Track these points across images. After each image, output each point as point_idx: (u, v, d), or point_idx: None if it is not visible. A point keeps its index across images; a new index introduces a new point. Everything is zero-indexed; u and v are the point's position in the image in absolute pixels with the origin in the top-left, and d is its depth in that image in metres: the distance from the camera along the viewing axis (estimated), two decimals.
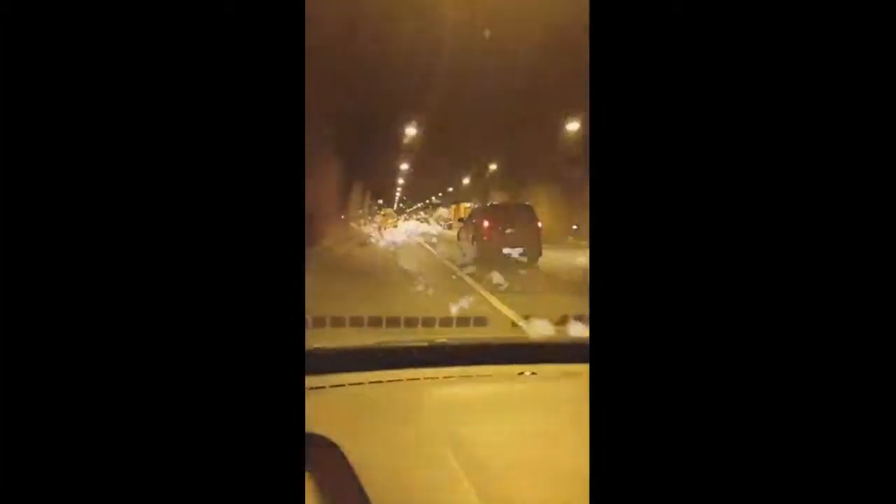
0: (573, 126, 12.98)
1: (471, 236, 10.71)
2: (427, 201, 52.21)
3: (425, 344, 1.20)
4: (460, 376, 1.07)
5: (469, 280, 7.16)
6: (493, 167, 22.00)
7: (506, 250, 9.66)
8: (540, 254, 9.95)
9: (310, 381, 0.75)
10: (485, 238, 9.98)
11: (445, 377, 1.06)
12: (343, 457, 0.70)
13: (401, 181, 33.57)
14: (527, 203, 11.13)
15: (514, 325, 4.10)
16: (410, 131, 14.78)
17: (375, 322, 2.79)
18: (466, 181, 29.41)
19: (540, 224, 10.28)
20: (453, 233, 15.32)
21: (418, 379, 1.03)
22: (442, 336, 1.31)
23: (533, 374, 1.08)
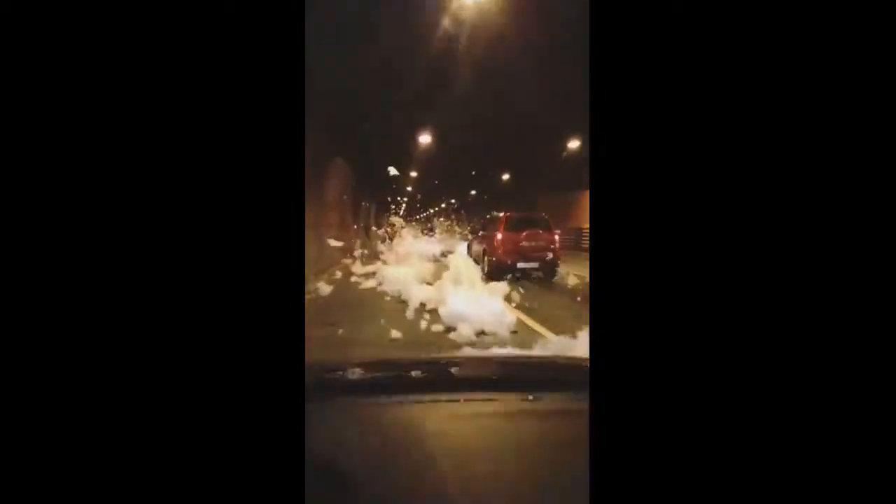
0: None
1: (482, 249, 10.16)
2: (438, 208, 48.10)
3: (428, 361, 1.16)
4: (463, 399, 1.03)
5: None
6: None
7: (521, 265, 9.10)
8: (557, 268, 9.39)
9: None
10: (498, 251, 9.42)
11: (448, 399, 1.02)
12: (338, 482, 0.69)
13: (413, 173, 27.37)
14: (543, 214, 10.51)
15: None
16: (424, 138, 13.48)
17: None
18: (506, 177, 23.01)
19: (557, 236, 9.70)
20: None
21: (419, 401, 1.00)
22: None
23: (536, 398, 1.04)
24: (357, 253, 12.44)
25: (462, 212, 37.02)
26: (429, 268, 8.57)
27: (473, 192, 28.21)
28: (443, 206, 44.38)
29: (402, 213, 44.60)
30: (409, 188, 29.67)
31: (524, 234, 9.52)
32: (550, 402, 1.03)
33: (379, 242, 17.39)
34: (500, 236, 9.63)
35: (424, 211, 50.63)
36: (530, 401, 1.03)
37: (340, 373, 1.10)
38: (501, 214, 10.16)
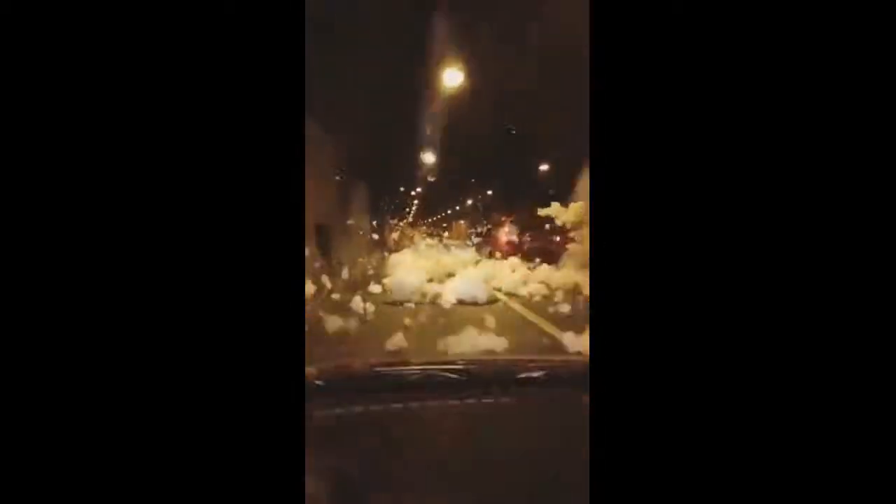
0: None
1: (487, 251, 10.42)
2: (449, 211, 40.42)
3: (430, 365, 1.13)
4: (466, 407, 1.01)
5: None
6: None
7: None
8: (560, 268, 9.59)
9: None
10: (503, 250, 9.67)
11: (450, 403, 1.00)
12: (338, 487, 0.69)
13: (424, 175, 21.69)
14: (546, 215, 10.73)
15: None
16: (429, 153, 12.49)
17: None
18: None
19: (559, 238, 9.92)
20: None
21: (421, 405, 0.98)
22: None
23: (536, 398, 1.03)
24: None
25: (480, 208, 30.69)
26: None
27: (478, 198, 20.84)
28: (468, 202, 35.42)
29: (411, 214, 37.55)
30: (425, 159, 19.60)
31: (527, 235, 9.76)
32: (551, 401, 1.04)
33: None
34: (504, 237, 9.89)
35: (442, 211, 41.14)
36: (531, 402, 1.04)
37: (342, 378, 1.10)
38: (505, 217, 10.41)
